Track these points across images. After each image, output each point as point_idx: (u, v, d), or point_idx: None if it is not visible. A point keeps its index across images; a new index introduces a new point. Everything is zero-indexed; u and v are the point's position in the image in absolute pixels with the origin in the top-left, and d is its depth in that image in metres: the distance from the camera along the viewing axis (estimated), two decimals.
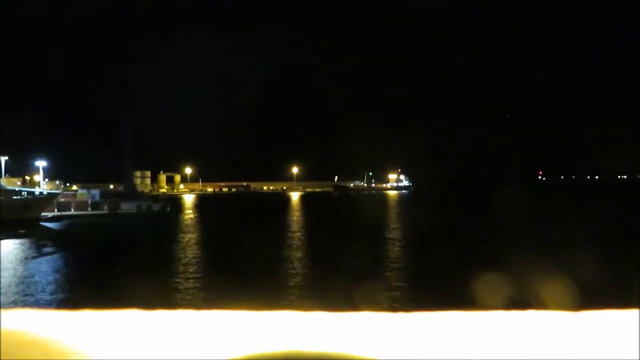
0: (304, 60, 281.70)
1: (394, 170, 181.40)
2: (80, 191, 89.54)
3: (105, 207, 71.29)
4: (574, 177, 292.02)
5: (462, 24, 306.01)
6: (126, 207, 72.36)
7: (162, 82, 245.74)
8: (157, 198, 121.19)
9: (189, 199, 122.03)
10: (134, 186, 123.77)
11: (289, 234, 44.38)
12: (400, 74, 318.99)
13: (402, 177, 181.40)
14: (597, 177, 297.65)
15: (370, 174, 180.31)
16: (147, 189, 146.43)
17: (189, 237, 43.62)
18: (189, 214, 73.23)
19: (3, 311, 1.14)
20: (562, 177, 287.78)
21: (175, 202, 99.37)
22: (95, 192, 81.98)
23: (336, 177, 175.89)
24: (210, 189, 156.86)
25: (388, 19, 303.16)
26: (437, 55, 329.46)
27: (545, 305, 14.08)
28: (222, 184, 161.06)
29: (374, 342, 1.09)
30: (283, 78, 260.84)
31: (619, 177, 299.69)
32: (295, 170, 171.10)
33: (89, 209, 71.23)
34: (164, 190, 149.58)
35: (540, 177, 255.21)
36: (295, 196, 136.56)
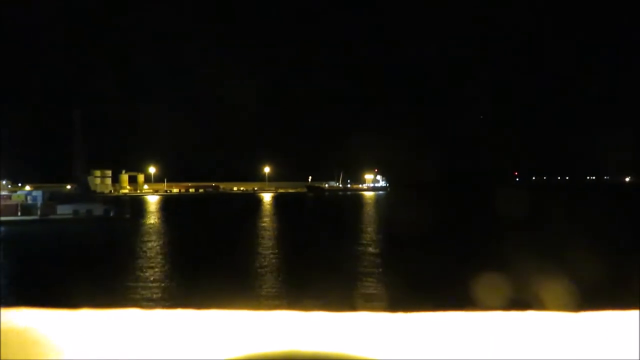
0: (278, 57, 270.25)
1: (370, 170, 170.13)
2: (18, 192, 77.07)
3: (39, 212, 59.50)
4: (545, 177, 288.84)
5: (438, 22, 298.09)
6: (63, 211, 60.28)
7: (127, 78, 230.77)
8: (116, 200, 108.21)
9: (148, 201, 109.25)
10: (87, 187, 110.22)
11: (256, 256, 32.47)
12: (377, 73, 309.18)
13: (378, 177, 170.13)
14: (567, 177, 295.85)
15: (342, 173, 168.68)
16: (107, 190, 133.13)
17: (118, 256, 31.52)
18: (137, 219, 60.80)
19: (3, 311, 1.11)
20: (534, 177, 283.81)
21: (129, 205, 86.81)
22: (38, 194, 69.09)
23: (310, 177, 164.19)
24: (175, 190, 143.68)
25: (366, 18, 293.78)
26: (414, 55, 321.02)
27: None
28: (190, 184, 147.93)
29: (374, 342, 1.07)
30: (255, 75, 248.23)
31: (587, 177, 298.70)
32: (267, 170, 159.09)
33: (19, 213, 59.43)
34: (126, 191, 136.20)
35: (515, 178, 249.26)
36: (267, 197, 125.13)
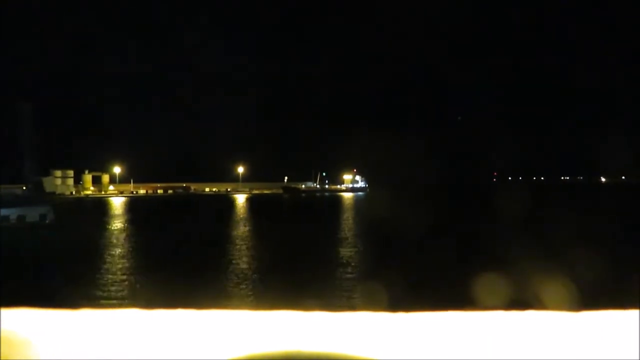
0: (251, 52, 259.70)
1: (349, 171, 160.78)
2: None
3: None
4: (520, 177, 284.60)
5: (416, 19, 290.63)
6: None
7: (93, 72, 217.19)
8: (76, 202, 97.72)
9: (109, 203, 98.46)
10: (39, 188, 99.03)
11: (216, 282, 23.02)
12: (355, 72, 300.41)
13: (357, 177, 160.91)
14: (542, 177, 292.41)
15: (325, 174, 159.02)
16: (69, 191, 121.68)
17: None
18: (80, 226, 50.61)
19: (3, 311, 1.10)
20: (510, 177, 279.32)
21: (86, 208, 76.57)
22: None
23: (286, 177, 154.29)
24: (142, 191, 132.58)
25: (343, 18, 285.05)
26: (391, 54, 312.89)
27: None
28: (158, 184, 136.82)
29: (374, 342, 1.06)
30: (227, 69, 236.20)
31: (562, 178, 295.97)
32: (240, 170, 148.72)
33: None
34: (89, 192, 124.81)
35: (493, 178, 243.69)
36: (240, 199, 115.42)
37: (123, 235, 42.66)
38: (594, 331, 1.07)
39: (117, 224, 53.09)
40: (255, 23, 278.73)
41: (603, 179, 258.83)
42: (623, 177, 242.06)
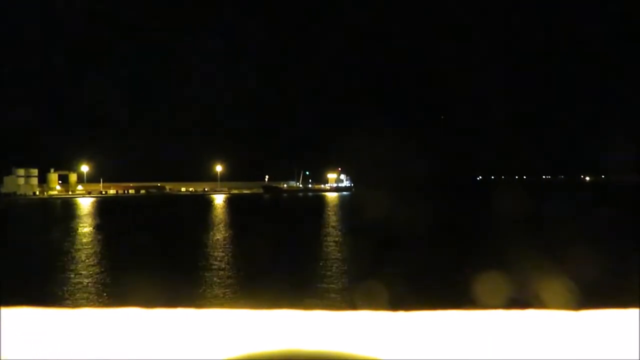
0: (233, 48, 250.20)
1: (334, 170, 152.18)
2: None
3: None
4: (503, 177, 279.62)
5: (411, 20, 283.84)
6: None
7: (58, 64, 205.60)
8: (39, 203, 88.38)
9: (72, 205, 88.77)
10: None
11: None
12: (339, 69, 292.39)
13: (342, 176, 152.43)
14: (524, 177, 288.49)
15: (307, 172, 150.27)
16: (32, 191, 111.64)
17: None
18: (15, 236, 41.53)
19: (3, 310, 1.09)
20: (493, 177, 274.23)
21: (29, 212, 67.26)
22: None
23: (267, 176, 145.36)
24: (112, 191, 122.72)
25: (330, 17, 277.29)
26: (382, 53, 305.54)
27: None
28: (131, 184, 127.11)
29: (374, 342, 1.06)
30: (206, 65, 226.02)
31: (543, 177, 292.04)
32: (219, 168, 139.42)
33: None
34: (54, 193, 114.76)
35: (476, 178, 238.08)
36: (218, 199, 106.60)
37: (57, 248, 33.78)
38: (594, 330, 1.06)
39: (61, 233, 43.94)
40: (237, 17, 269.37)
41: (587, 178, 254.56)
42: (603, 176, 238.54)
